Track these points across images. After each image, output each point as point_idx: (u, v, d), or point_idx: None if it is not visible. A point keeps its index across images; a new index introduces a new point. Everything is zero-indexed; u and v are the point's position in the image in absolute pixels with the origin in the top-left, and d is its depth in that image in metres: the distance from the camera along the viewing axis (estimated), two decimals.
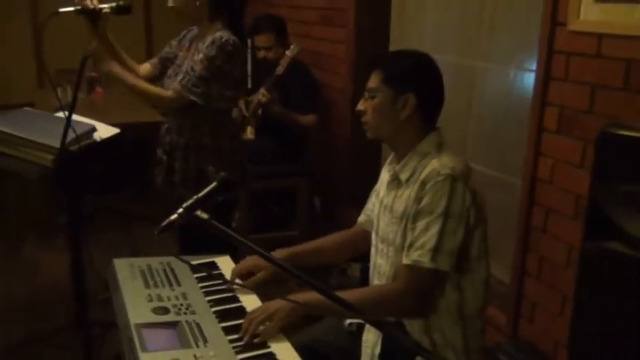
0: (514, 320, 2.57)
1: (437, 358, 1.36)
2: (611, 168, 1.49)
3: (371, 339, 1.77)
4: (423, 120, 1.73)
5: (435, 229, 1.61)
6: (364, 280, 2.00)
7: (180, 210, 1.42)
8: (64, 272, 3.12)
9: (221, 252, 2.02)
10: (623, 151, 1.48)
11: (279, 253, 1.91)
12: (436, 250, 1.61)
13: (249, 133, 3.71)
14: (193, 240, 2.03)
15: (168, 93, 2.44)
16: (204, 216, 1.42)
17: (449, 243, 1.62)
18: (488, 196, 2.95)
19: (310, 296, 1.58)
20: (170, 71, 2.58)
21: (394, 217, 1.72)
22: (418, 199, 1.64)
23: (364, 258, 1.95)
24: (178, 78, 2.45)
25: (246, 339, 1.56)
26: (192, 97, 2.40)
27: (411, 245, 1.64)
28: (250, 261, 1.90)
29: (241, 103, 3.60)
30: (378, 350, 1.69)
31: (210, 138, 2.50)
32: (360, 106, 1.77)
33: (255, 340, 1.56)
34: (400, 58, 1.75)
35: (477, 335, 1.76)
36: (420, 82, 1.72)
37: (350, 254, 2.03)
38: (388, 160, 1.87)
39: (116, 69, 2.39)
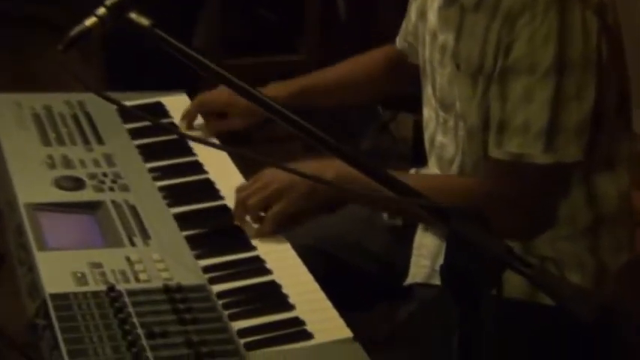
0: None
1: (541, 274, 1.29)
2: None
3: (429, 244, 1.77)
4: None
5: (543, 97, 1.57)
6: (419, 142, 1.97)
7: (102, 9, 1.39)
8: None
9: (172, 87, 2.05)
10: None
11: (278, 89, 1.93)
12: (551, 132, 1.58)
13: None
14: (125, 66, 2.00)
15: None
16: (144, 21, 1.39)
17: (573, 115, 1.58)
18: None
19: (337, 169, 1.56)
20: None
21: (461, 71, 1.68)
22: (505, 46, 1.59)
23: (416, 104, 1.89)
24: None
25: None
26: None
27: (502, 126, 1.61)
28: (220, 95, 1.93)
29: None
30: (439, 262, 1.53)
31: None
32: None
33: (253, 234, 1.62)
34: None
35: (616, 248, 1.75)
36: None
37: (386, 90, 2.07)
38: None
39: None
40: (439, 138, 1.79)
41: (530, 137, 1.58)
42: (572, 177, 1.67)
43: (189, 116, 1.96)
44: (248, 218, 1.64)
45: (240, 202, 1.65)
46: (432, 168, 1.83)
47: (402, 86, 2.02)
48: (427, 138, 1.84)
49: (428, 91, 1.81)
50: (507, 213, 1.59)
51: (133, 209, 1.61)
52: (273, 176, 1.65)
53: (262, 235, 1.61)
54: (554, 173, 1.62)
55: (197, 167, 1.80)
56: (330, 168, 1.59)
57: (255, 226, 1.63)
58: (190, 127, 1.94)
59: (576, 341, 1.65)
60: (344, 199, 1.81)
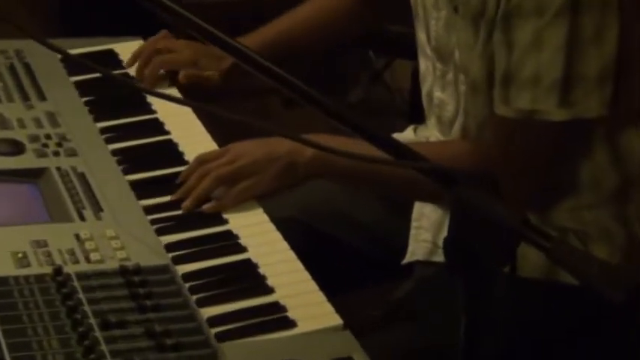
0: None
1: (562, 248, 1.20)
2: None
3: (429, 214, 1.77)
4: None
5: (555, 42, 1.53)
6: (417, 95, 1.93)
7: None
8: None
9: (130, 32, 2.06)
10: None
11: (251, 39, 1.91)
12: (567, 83, 1.54)
13: None
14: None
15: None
16: None
17: (592, 61, 1.55)
18: None
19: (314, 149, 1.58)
20: None
21: (460, 15, 1.65)
22: None
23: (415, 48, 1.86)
24: None
25: (185, 203, 1.58)
26: None
27: (509, 79, 1.58)
28: (187, 44, 1.92)
29: None
30: (442, 235, 1.56)
31: None
32: None
33: (206, 207, 1.57)
34: None
35: None
36: None
37: (357, 28, 2.03)
38: None
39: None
40: (437, 94, 1.76)
41: (542, 90, 1.54)
42: (593, 134, 1.64)
43: (148, 69, 1.90)
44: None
45: (202, 171, 1.60)
46: (432, 129, 1.80)
47: (378, 23, 2.00)
48: (425, 94, 1.80)
49: (421, 39, 1.77)
50: (517, 180, 1.59)
51: (82, 177, 1.58)
52: (245, 150, 1.63)
53: (235, 202, 1.58)
54: (572, 131, 1.59)
55: (157, 127, 1.78)
56: (307, 148, 1.60)
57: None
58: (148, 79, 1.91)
59: (602, 326, 1.63)
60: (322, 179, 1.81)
